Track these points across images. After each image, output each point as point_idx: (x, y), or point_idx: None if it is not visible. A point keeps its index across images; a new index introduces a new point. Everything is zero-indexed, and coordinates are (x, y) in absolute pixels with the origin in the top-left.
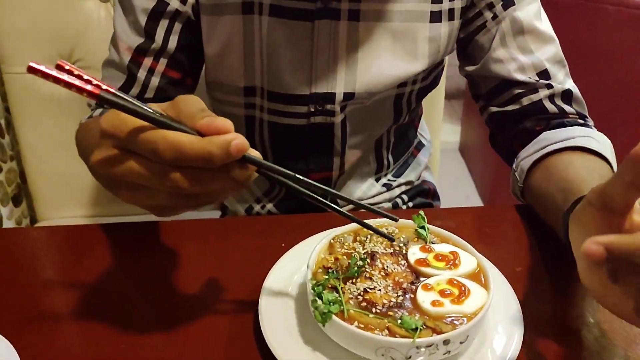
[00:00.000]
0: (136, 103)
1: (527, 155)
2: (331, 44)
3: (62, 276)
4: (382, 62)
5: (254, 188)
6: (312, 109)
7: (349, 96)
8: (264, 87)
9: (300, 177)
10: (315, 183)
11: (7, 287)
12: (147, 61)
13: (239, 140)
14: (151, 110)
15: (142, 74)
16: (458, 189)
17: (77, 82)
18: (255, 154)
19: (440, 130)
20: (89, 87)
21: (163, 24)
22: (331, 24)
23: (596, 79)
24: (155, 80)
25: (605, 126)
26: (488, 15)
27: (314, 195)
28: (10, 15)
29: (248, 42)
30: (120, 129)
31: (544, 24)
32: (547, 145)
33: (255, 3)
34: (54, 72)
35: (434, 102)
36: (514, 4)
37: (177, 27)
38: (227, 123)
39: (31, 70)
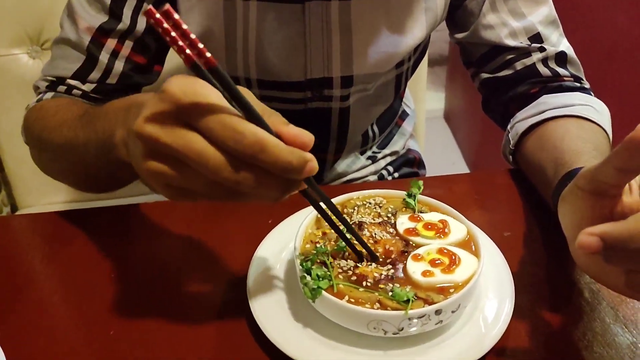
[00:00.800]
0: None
1: (525, 118)
2: (324, 26)
3: (46, 264)
4: (379, 40)
5: None
6: (309, 95)
7: (347, 80)
8: (250, 77)
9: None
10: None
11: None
12: (111, 43)
13: (313, 163)
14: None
15: (104, 57)
16: (444, 156)
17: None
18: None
19: (425, 98)
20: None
21: (131, 2)
22: (322, 4)
23: (575, 36)
24: (119, 65)
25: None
26: None
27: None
28: None
29: (229, 30)
30: (198, 102)
31: None
32: (546, 110)
33: None
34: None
35: (417, 70)
36: None
37: (146, 5)
38: (311, 139)
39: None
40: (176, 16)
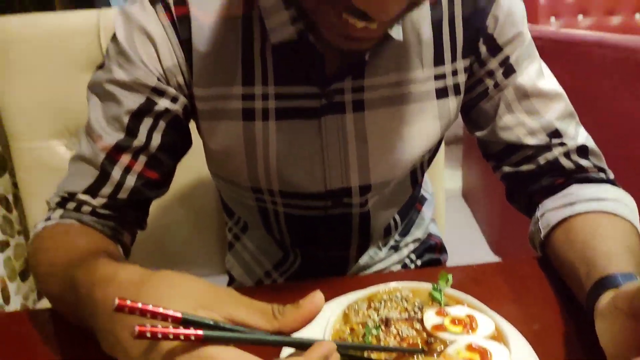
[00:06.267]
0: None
1: (555, 208)
2: (340, 138)
3: (72, 356)
4: (394, 148)
5: (263, 260)
6: (330, 204)
7: (365, 189)
8: (273, 188)
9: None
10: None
11: None
12: (125, 158)
13: (330, 348)
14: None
15: (117, 173)
16: (464, 237)
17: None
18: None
19: (443, 178)
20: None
21: (147, 121)
22: (337, 118)
23: (582, 118)
24: (131, 180)
25: None
26: (489, 82)
27: None
28: (18, 93)
29: (249, 148)
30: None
31: (548, 82)
32: (577, 202)
33: (257, 109)
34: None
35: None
36: (514, 71)
37: (162, 124)
38: (312, 311)
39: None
40: (150, 307)
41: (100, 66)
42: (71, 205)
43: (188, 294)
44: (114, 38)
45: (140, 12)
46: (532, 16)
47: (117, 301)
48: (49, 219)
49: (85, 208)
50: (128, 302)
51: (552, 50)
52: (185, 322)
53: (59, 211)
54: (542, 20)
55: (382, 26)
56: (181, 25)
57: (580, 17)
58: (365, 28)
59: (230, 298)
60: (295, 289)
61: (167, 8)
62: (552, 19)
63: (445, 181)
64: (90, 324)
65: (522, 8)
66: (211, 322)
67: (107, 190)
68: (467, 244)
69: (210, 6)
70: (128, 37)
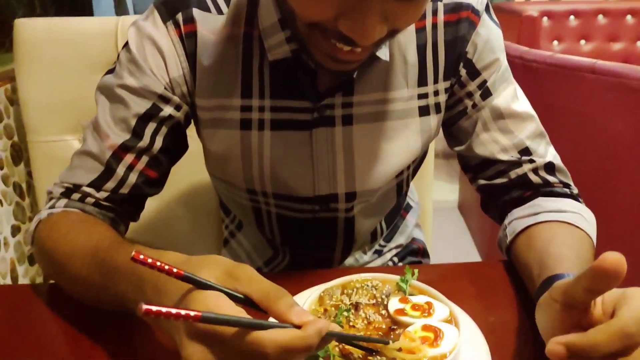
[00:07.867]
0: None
1: (521, 217)
2: (329, 149)
3: (76, 330)
4: (379, 160)
5: (255, 257)
6: (317, 208)
7: (351, 196)
8: (266, 190)
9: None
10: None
11: (23, 342)
12: (129, 158)
13: (324, 325)
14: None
15: (121, 170)
16: (457, 248)
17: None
18: (333, 327)
19: (432, 189)
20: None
21: (152, 125)
22: (327, 130)
23: (574, 140)
24: (133, 177)
25: (582, 185)
26: (468, 102)
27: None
28: (38, 89)
29: (245, 154)
30: (223, 334)
31: (521, 104)
32: (540, 212)
33: (254, 120)
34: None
35: (423, 166)
36: (491, 94)
37: (165, 129)
38: (312, 319)
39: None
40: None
41: (110, 71)
42: (76, 196)
43: (219, 263)
44: (126, 47)
45: (152, 27)
46: (534, 39)
47: (133, 253)
48: (53, 207)
49: (89, 199)
50: (141, 257)
51: (547, 73)
52: (207, 320)
53: (64, 200)
54: (544, 43)
55: (366, 50)
56: (188, 40)
57: (582, 42)
58: (351, 51)
59: (248, 273)
60: (284, 278)
61: (176, 25)
62: (555, 42)
63: (441, 193)
64: (130, 297)
65: (500, 36)
66: (227, 290)
67: (110, 185)
68: (459, 252)
69: (215, 25)
70: (139, 48)
